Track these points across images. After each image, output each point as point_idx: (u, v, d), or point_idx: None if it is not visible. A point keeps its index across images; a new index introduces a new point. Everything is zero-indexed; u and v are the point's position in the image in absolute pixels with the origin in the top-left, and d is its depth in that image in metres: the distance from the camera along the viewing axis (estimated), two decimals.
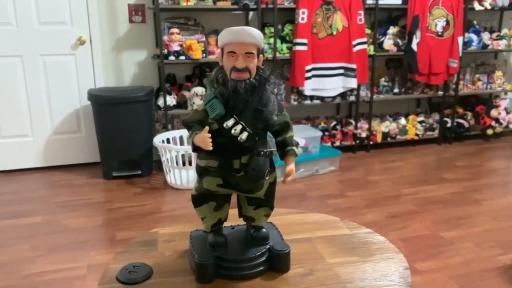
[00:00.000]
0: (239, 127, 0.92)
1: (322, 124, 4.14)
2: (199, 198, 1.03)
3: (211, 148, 0.91)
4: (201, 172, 0.99)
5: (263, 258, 1.02)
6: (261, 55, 0.96)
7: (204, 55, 3.54)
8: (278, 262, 1.03)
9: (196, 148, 0.95)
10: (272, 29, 3.70)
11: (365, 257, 1.10)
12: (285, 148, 1.00)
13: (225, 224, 1.09)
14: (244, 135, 0.92)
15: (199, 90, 3.55)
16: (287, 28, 3.82)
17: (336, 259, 1.09)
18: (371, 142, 4.21)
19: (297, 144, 1.01)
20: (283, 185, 1.04)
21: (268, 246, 1.04)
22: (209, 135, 0.92)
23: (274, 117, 0.95)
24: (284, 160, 1.01)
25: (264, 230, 1.07)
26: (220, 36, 0.95)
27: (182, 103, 3.68)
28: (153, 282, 1.00)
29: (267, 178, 0.97)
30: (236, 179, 0.97)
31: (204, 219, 1.05)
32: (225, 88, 0.93)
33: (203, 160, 0.98)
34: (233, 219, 1.12)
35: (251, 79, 0.94)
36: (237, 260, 1.01)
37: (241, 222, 1.12)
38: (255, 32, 0.93)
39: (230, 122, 0.92)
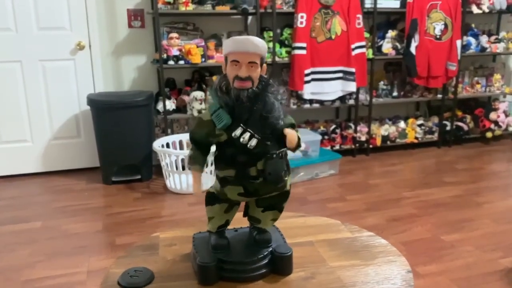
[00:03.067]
0: (247, 135, 0.92)
1: (322, 128, 4.14)
2: (214, 198, 1.03)
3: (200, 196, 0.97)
4: (222, 182, 0.99)
5: (266, 261, 1.02)
6: (264, 65, 0.97)
7: (203, 59, 3.54)
8: (280, 265, 1.02)
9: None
10: (271, 34, 3.71)
11: (367, 260, 1.10)
12: None
13: (228, 226, 1.09)
14: (253, 142, 0.92)
15: (198, 94, 3.55)
16: (286, 32, 3.82)
17: (338, 262, 1.09)
18: (371, 146, 4.21)
19: (297, 131, 0.99)
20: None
21: (271, 249, 1.04)
22: (202, 190, 0.99)
23: (280, 121, 0.95)
24: None
25: (267, 232, 1.07)
26: (224, 45, 0.96)
27: (181, 108, 3.68)
28: (154, 287, 0.99)
29: (286, 178, 0.96)
30: (255, 186, 0.96)
31: (212, 219, 1.05)
32: (228, 97, 0.94)
33: (221, 171, 0.98)
34: (236, 222, 1.12)
35: (254, 88, 0.94)
36: (240, 262, 1.00)
37: (244, 224, 1.12)
38: (259, 42, 0.93)
39: (238, 131, 0.92)
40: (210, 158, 1.00)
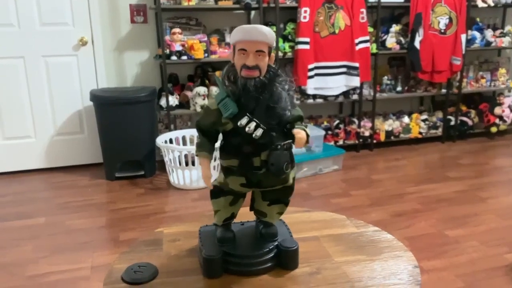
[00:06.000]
0: (253, 124, 0.92)
1: (325, 123, 4.13)
2: (218, 190, 1.02)
3: (211, 186, 0.99)
4: (226, 172, 0.98)
5: (271, 255, 1.01)
6: (272, 54, 0.96)
7: (206, 54, 3.53)
8: (286, 259, 1.02)
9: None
10: (274, 28, 3.68)
11: (373, 255, 1.09)
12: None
13: (235, 220, 1.08)
14: (259, 132, 0.92)
15: (201, 90, 3.54)
16: (289, 27, 3.80)
17: (344, 257, 1.08)
18: (375, 141, 4.19)
19: (306, 126, 0.98)
20: None
21: (277, 243, 1.03)
22: (211, 175, 0.97)
23: (287, 112, 0.95)
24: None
25: (273, 226, 1.06)
26: (232, 34, 0.95)
27: (184, 103, 3.67)
28: (158, 282, 0.98)
29: (287, 171, 0.95)
30: (258, 177, 0.96)
31: (217, 212, 1.05)
32: (235, 86, 0.93)
33: (224, 160, 0.98)
34: (243, 216, 1.11)
35: (261, 77, 0.93)
36: (245, 255, 1.00)
37: (251, 218, 1.11)
38: (267, 31, 0.92)
39: (244, 120, 0.92)
40: (215, 153, 1.00)
